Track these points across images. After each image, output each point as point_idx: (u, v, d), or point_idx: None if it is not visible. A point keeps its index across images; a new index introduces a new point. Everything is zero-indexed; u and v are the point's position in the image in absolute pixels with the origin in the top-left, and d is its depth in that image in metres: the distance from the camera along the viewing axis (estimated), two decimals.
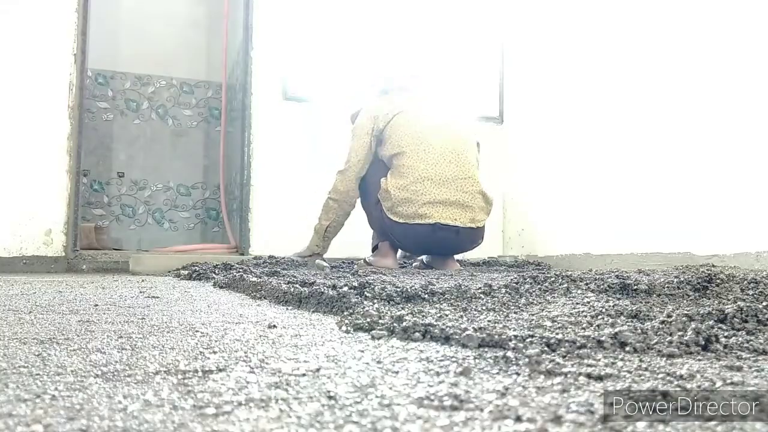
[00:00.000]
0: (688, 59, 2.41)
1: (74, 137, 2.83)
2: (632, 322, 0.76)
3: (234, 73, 3.82)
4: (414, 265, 2.67)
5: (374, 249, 2.58)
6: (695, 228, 2.33)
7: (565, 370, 0.52)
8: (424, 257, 2.66)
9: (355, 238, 2.77)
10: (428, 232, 2.37)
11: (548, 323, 0.76)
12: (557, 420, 0.38)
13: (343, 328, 0.81)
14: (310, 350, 0.65)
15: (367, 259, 2.56)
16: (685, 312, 0.74)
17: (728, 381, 0.48)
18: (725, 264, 2.09)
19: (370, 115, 2.51)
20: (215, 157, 4.31)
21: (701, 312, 0.74)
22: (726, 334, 0.67)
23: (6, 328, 0.80)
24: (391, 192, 2.39)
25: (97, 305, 1.11)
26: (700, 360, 0.58)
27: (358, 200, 2.57)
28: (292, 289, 1.18)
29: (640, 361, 0.57)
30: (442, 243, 2.44)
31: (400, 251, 2.64)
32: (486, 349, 0.63)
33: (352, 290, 1.09)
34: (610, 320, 0.77)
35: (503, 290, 1.06)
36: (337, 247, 2.66)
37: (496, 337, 0.65)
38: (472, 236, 2.49)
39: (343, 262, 2.61)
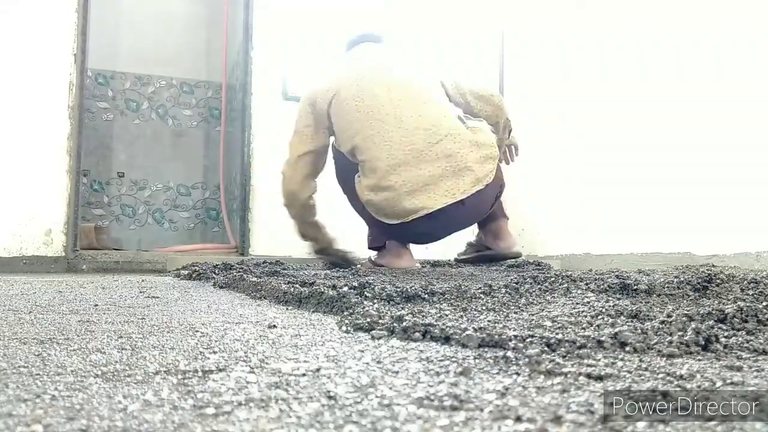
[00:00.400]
0: (690, 58, 2.41)
1: (74, 137, 2.83)
2: (632, 322, 0.75)
3: (234, 73, 3.82)
4: (459, 253, 2.49)
5: (378, 248, 2.27)
6: (695, 228, 2.33)
7: (565, 370, 0.52)
8: (472, 239, 2.50)
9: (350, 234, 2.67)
10: (430, 222, 2.02)
11: (548, 323, 0.76)
12: (557, 420, 0.38)
13: (343, 328, 0.81)
14: (310, 350, 0.65)
15: (373, 259, 2.28)
16: (685, 312, 0.74)
17: (728, 381, 0.48)
18: (725, 264, 2.09)
19: (307, 101, 2.18)
20: (215, 157, 4.31)
21: (701, 312, 0.74)
22: (726, 334, 0.67)
23: (6, 328, 0.80)
24: (368, 197, 2.05)
25: (97, 305, 1.11)
26: (700, 360, 0.58)
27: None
28: (292, 289, 1.18)
29: (640, 361, 0.57)
30: (452, 222, 2.09)
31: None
32: (486, 349, 0.63)
33: (352, 290, 1.09)
34: (610, 320, 0.76)
35: (503, 290, 1.06)
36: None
37: (496, 337, 0.65)
38: (483, 198, 2.08)
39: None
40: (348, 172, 2.18)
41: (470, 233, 2.63)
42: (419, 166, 2.00)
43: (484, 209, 2.17)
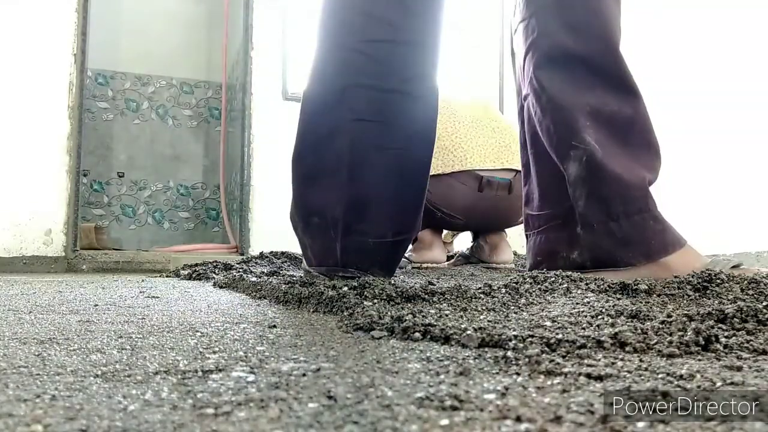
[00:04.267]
0: (690, 57, 2.41)
1: (74, 137, 2.83)
2: (632, 322, 0.75)
3: (234, 73, 3.82)
4: (449, 263, 2.38)
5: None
6: (695, 228, 2.33)
7: (565, 370, 0.52)
8: (464, 249, 2.42)
9: None
10: (472, 191, 2.02)
11: (548, 323, 0.76)
12: (557, 420, 0.38)
13: (343, 328, 0.81)
14: (310, 350, 0.65)
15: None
16: (685, 312, 0.74)
17: (728, 381, 0.48)
18: None
19: None
20: (215, 157, 4.32)
21: (701, 312, 0.74)
22: (726, 334, 0.67)
23: (6, 328, 0.80)
24: None
25: (97, 305, 1.11)
26: (700, 360, 0.58)
27: None
28: (292, 289, 1.18)
29: (640, 361, 0.57)
30: (491, 205, 2.08)
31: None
32: (486, 349, 0.63)
33: (352, 290, 1.09)
34: (610, 320, 0.76)
35: (503, 290, 1.06)
36: None
37: (496, 337, 0.65)
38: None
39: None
40: None
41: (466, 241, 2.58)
42: (477, 131, 2.13)
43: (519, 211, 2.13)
